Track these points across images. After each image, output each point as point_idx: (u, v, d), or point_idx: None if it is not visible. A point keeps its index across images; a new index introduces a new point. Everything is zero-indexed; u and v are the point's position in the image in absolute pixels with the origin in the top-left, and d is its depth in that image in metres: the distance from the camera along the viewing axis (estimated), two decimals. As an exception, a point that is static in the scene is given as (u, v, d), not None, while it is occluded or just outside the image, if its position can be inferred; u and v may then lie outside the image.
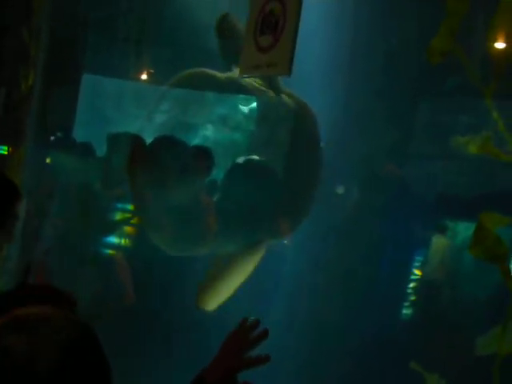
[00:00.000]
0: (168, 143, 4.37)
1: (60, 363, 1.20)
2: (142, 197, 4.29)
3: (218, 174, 4.54)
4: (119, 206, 4.90)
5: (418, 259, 4.86)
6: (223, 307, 4.32)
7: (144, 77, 5.87)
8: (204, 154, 4.37)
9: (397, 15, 4.50)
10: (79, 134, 5.58)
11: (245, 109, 4.97)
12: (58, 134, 5.49)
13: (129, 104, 5.97)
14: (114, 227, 4.87)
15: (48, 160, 5.32)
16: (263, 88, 4.50)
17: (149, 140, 4.73)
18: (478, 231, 2.98)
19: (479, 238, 2.95)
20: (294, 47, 2.49)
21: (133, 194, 4.38)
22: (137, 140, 4.34)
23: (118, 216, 4.88)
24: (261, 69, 2.64)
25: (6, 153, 4.97)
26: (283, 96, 4.45)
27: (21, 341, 1.20)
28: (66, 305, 1.36)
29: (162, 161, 4.25)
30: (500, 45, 3.21)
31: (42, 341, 1.21)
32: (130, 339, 4.44)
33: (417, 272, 4.81)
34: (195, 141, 4.84)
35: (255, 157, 4.42)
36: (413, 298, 4.83)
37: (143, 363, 4.45)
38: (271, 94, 4.49)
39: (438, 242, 4.86)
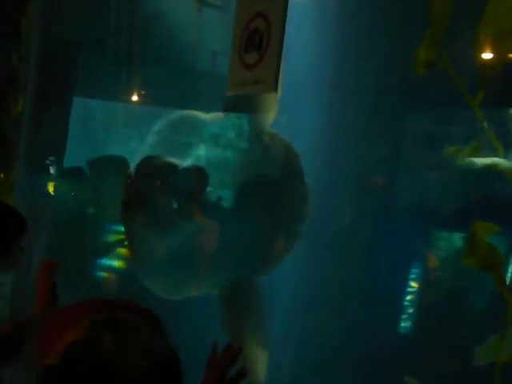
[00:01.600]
0: (160, 186, 4.36)
1: (139, 369, 1.28)
2: (135, 243, 4.28)
3: (211, 192, 4.54)
4: (112, 227, 4.88)
5: (414, 271, 4.85)
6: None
7: (135, 98, 5.88)
8: (198, 195, 4.35)
9: (384, 24, 4.51)
10: (71, 157, 5.57)
11: (237, 127, 4.98)
12: (50, 158, 5.49)
13: (120, 125, 5.98)
14: (107, 250, 4.85)
15: (39, 184, 5.31)
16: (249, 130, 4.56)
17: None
18: (470, 240, 2.98)
19: (472, 248, 2.95)
20: (279, 64, 2.49)
21: (127, 240, 4.37)
22: (129, 186, 4.32)
23: (112, 238, 4.86)
24: (247, 86, 2.63)
25: (-2, 178, 4.96)
26: (267, 138, 4.48)
27: (111, 338, 1.29)
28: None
29: (154, 206, 4.25)
30: (486, 54, 3.22)
31: (130, 344, 1.29)
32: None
33: (413, 284, 4.80)
34: (189, 160, 4.84)
35: None
36: (410, 310, 4.81)
37: None
38: (256, 136, 4.53)
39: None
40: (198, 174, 4.44)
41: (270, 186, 4.43)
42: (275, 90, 2.47)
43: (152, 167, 4.30)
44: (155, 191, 4.32)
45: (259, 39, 2.56)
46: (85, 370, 1.26)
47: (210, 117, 4.70)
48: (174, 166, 4.37)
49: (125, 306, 1.45)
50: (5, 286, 4.57)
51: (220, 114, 4.68)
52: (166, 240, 4.20)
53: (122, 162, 5.06)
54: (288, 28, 2.63)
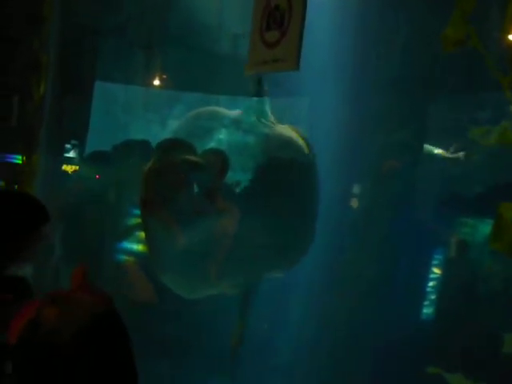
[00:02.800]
0: (181, 184, 4.32)
1: (82, 336, 1.38)
2: (154, 238, 4.26)
3: (233, 175, 4.52)
4: (133, 211, 4.88)
5: (437, 257, 4.78)
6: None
7: (156, 82, 5.86)
8: (219, 179, 4.29)
9: (409, 3, 4.42)
10: (93, 141, 5.58)
11: (258, 111, 4.95)
12: (72, 142, 5.50)
13: (142, 109, 5.97)
14: (128, 233, 4.85)
15: (62, 168, 5.33)
16: (269, 124, 4.48)
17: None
18: (497, 223, 2.89)
19: (500, 231, 2.86)
20: (301, 42, 2.45)
21: (145, 235, 4.36)
22: (148, 182, 4.27)
23: (133, 221, 4.85)
24: (268, 64, 2.60)
25: (20, 162, 4.99)
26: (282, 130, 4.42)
27: (51, 313, 1.41)
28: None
29: (174, 202, 4.21)
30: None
31: (68, 315, 1.40)
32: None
33: (436, 270, 4.74)
34: (211, 144, 4.81)
35: None
36: (433, 296, 4.75)
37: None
38: (276, 130, 4.45)
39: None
40: (219, 158, 4.39)
41: (288, 178, 4.36)
42: (297, 67, 2.44)
43: (171, 164, 4.24)
44: (174, 188, 4.29)
45: (280, 17, 2.52)
46: (31, 344, 1.40)
47: (234, 113, 4.63)
48: (193, 163, 4.31)
49: (83, 288, 1.55)
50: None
51: (243, 113, 4.61)
52: (183, 238, 4.17)
53: (145, 146, 5.05)
54: (309, 8, 2.59)
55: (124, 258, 4.83)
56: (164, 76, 5.83)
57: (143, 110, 5.79)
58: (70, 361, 1.37)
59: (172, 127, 5.76)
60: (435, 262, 4.81)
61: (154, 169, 4.28)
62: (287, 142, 4.33)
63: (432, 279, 4.83)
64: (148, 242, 4.35)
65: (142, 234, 4.50)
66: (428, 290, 4.83)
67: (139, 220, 4.59)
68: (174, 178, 4.26)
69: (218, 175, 4.35)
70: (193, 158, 4.33)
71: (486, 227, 4.47)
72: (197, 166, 4.30)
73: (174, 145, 4.40)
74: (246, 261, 4.18)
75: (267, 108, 4.66)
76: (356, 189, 4.94)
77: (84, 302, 1.47)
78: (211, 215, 4.16)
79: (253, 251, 4.17)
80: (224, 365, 4.34)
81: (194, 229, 4.13)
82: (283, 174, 4.27)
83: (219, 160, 4.37)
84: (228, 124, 4.87)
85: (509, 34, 3.13)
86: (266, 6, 2.63)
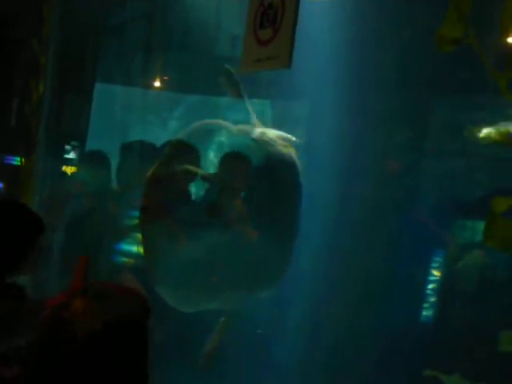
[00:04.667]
0: (182, 197, 4.29)
1: (104, 333, 1.38)
2: (151, 248, 4.22)
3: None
4: (132, 212, 4.86)
5: (437, 259, 4.76)
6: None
7: (157, 83, 5.86)
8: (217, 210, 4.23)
9: (410, 4, 4.39)
10: (93, 142, 5.57)
11: (258, 113, 4.93)
12: (71, 143, 5.49)
13: (142, 111, 5.97)
14: (126, 233, 4.83)
15: (61, 169, 5.31)
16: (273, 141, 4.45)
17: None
18: (490, 219, 2.83)
19: (493, 226, 2.81)
20: (293, 39, 2.44)
21: (143, 243, 4.33)
22: (149, 191, 4.24)
23: (131, 222, 4.83)
24: (262, 62, 2.59)
25: (19, 164, 4.99)
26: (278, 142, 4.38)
27: (80, 304, 1.41)
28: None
29: (174, 213, 4.18)
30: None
31: (96, 310, 1.40)
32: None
33: (435, 272, 4.71)
34: (211, 146, 4.79)
35: None
36: (432, 299, 4.72)
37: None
38: (279, 146, 4.42)
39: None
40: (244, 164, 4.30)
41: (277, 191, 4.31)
42: (289, 65, 2.42)
43: (172, 173, 4.21)
44: (174, 197, 4.25)
45: (274, 14, 2.51)
46: (54, 329, 1.39)
47: (238, 128, 4.60)
48: (193, 173, 4.27)
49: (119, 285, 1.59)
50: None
51: (247, 127, 4.58)
52: (180, 249, 4.12)
53: (150, 147, 5.05)
54: (305, 6, 2.58)
55: (121, 260, 4.81)
56: (165, 77, 5.82)
57: (143, 111, 5.78)
58: (85, 356, 1.36)
59: (172, 128, 5.75)
60: (435, 264, 4.79)
61: (155, 176, 4.26)
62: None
63: (432, 281, 4.81)
64: (146, 251, 4.31)
65: (139, 236, 4.48)
66: (428, 291, 4.80)
67: (136, 221, 4.58)
68: (174, 187, 4.24)
69: (238, 181, 4.28)
70: (193, 168, 4.30)
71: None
72: (196, 176, 4.28)
73: (178, 150, 4.38)
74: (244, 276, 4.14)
75: (250, 109, 4.64)
76: (355, 190, 4.92)
77: (115, 299, 1.46)
78: (215, 227, 4.12)
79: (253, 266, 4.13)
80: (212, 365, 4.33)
81: (195, 240, 4.09)
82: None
83: (243, 166, 4.31)
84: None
85: (505, 34, 3.10)
86: (260, 4, 2.62)
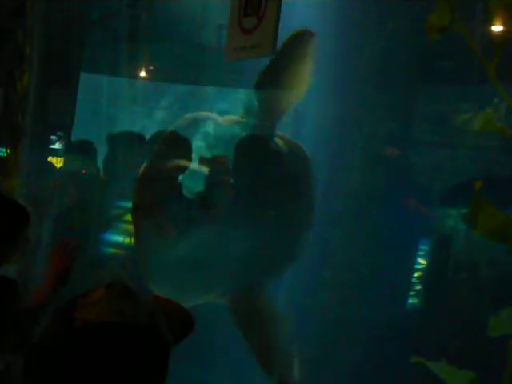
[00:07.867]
0: (174, 193, 4.25)
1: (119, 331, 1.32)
2: (143, 245, 4.21)
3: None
4: (120, 203, 4.85)
5: (422, 248, 4.79)
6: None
7: (142, 73, 5.84)
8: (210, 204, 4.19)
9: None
10: (79, 132, 5.55)
11: (245, 102, 4.92)
12: (57, 133, 5.47)
13: (128, 101, 5.96)
14: (113, 223, 4.82)
15: (47, 160, 5.30)
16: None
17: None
18: (473, 206, 2.83)
19: (476, 214, 2.82)
20: (277, 27, 2.44)
21: (135, 240, 4.31)
22: (140, 187, 4.21)
23: (118, 212, 4.82)
24: (246, 51, 2.59)
25: (4, 155, 4.96)
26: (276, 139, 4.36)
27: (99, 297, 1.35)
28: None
29: (166, 210, 4.15)
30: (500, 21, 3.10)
31: (115, 307, 1.33)
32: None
33: (421, 261, 4.74)
34: (197, 137, 4.78)
35: None
36: (418, 287, 4.76)
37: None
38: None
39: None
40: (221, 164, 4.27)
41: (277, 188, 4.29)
42: (273, 53, 2.42)
43: (163, 169, 4.19)
44: (165, 194, 4.23)
45: (257, 2, 2.51)
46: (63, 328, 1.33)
47: (225, 120, 4.57)
48: (184, 169, 4.25)
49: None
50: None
51: (234, 118, 4.56)
52: (173, 245, 4.11)
53: (137, 138, 5.03)
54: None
55: (109, 250, 4.80)
56: (151, 67, 5.81)
57: (129, 101, 5.76)
58: (89, 346, 1.30)
59: (158, 118, 5.73)
60: (421, 253, 4.82)
61: (146, 173, 4.24)
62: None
63: (418, 270, 4.84)
64: (139, 248, 4.30)
65: (127, 226, 4.46)
66: (414, 280, 4.84)
67: (124, 211, 4.57)
68: (165, 183, 4.22)
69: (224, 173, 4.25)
70: (185, 163, 4.28)
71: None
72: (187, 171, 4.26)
73: (169, 145, 4.36)
74: (238, 268, 4.12)
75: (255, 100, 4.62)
76: (343, 180, 4.94)
77: (144, 304, 1.38)
78: (205, 223, 4.11)
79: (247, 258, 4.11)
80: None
81: (186, 237, 4.08)
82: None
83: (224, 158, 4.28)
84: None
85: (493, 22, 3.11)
86: (243, -8, 2.62)
